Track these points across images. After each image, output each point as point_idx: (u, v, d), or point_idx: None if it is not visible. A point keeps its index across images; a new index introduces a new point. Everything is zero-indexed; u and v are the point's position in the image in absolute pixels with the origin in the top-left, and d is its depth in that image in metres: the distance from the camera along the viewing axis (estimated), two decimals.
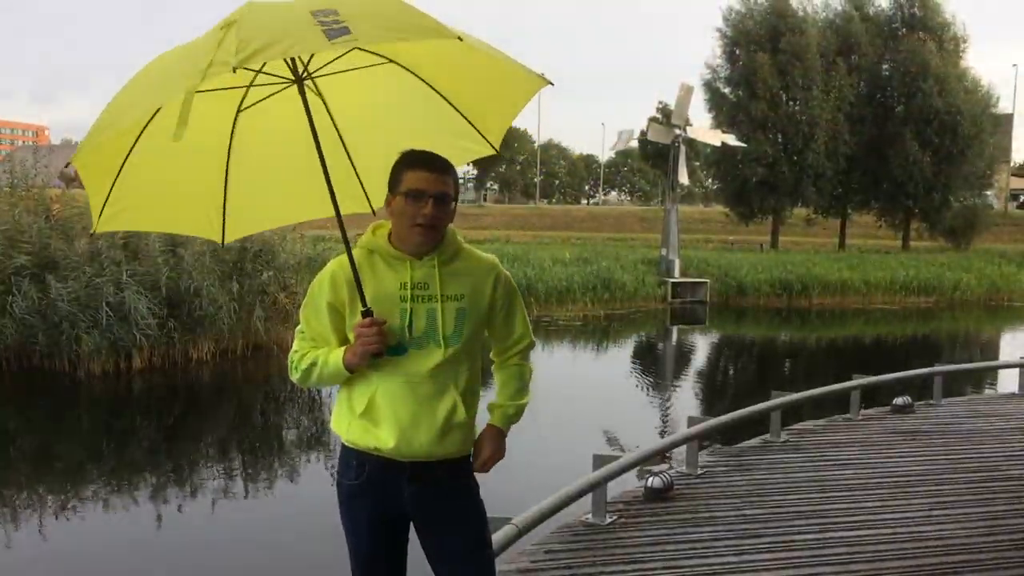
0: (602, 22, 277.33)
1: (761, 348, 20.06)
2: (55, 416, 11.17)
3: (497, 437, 2.69)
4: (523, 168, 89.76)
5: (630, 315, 23.25)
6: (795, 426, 8.14)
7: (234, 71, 2.04)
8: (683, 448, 6.69)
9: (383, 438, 2.51)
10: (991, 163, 43.93)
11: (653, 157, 42.03)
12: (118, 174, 2.64)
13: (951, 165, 39.92)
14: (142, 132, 2.58)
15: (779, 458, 7.02)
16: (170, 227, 3.25)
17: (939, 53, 39.92)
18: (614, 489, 5.75)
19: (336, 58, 2.68)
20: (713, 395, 13.42)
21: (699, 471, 6.48)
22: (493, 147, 2.87)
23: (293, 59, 2.56)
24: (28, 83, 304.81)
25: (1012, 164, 71.22)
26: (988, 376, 13.05)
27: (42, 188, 14.99)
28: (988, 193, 49.02)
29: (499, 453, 2.70)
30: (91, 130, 2.41)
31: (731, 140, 31.78)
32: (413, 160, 2.51)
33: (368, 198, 2.96)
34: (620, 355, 18.38)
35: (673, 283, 25.94)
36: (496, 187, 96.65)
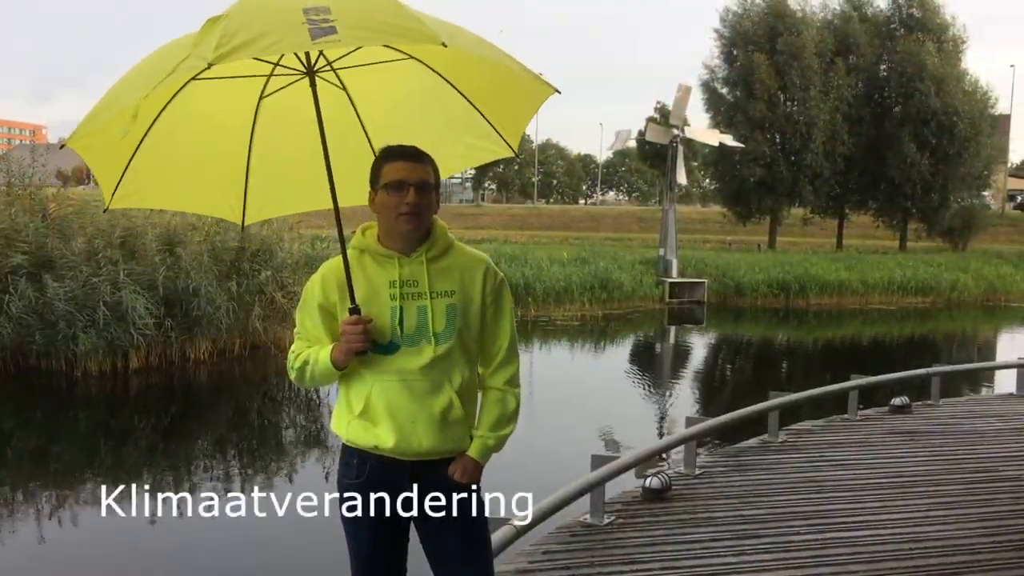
0: (601, 22, 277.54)
1: (759, 348, 20.06)
2: (52, 416, 11.14)
3: (472, 470, 2.59)
4: (521, 168, 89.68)
5: (628, 315, 23.24)
6: (793, 426, 8.13)
7: (209, 66, 2.07)
8: (681, 448, 6.69)
9: (382, 437, 2.52)
10: (989, 164, 43.90)
11: (651, 157, 42.04)
12: (135, 152, 2.66)
13: (949, 166, 39.91)
14: (160, 112, 2.61)
15: (777, 458, 7.01)
16: (188, 206, 3.29)
17: (938, 54, 39.90)
18: (612, 489, 5.73)
19: (353, 51, 2.71)
20: (711, 395, 13.42)
21: (697, 471, 6.47)
22: (512, 149, 2.91)
23: (307, 52, 2.58)
24: (26, 82, 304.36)
25: (1009, 165, 71.36)
26: (986, 376, 13.07)
27: (39, 187, 14.95)
28: (986, 194, 49.15)
29: (471, 481, 2.61)
30: (90, 113, 2.42)
31: (729, 140, 31.82)
32: (390, 153, 2.54)
33: None
34: (618, 355, 18.34)
35: (671, 283, 25.95)
36: (494, 187, 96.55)
